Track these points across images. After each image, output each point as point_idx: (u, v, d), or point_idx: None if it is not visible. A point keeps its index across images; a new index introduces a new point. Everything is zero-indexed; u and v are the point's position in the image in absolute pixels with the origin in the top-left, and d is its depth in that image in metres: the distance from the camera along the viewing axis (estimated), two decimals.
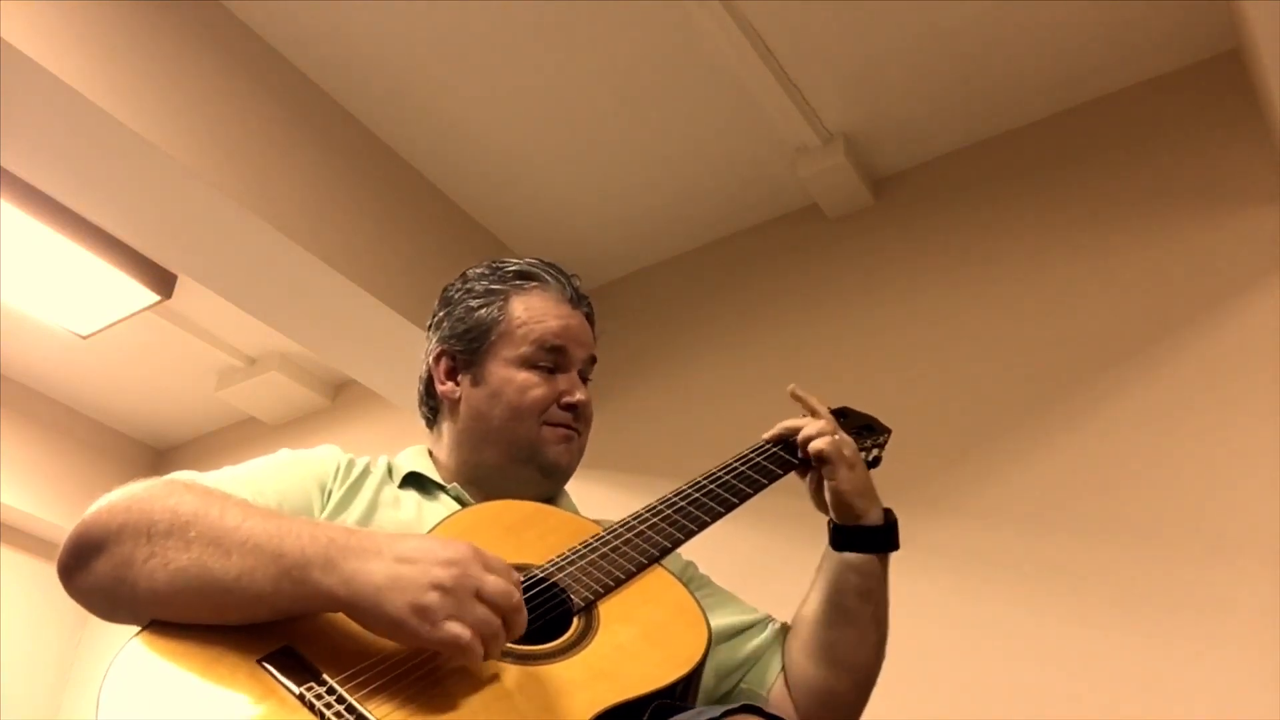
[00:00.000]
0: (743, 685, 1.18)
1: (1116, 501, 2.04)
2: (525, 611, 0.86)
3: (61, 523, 3.40)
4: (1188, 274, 2.16)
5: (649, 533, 1.07)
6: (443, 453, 1.26)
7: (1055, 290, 2.31)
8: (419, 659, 0.84)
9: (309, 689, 0.79)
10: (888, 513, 1.17)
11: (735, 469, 1.18)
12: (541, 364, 1.23)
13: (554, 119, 2.60)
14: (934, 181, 2.63)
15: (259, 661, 0.82)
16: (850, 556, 1.15)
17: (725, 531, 1.18)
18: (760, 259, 2.81)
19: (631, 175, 2.75)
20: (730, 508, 1.13)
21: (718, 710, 0.84)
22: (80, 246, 2.71)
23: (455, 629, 0.80)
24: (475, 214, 2.91)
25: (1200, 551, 1.91)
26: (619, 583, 1.00)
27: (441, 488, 1.21)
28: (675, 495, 1.14)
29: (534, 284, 1.28)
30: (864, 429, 1.32)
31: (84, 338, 3.10)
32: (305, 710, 0.78)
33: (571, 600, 0.96)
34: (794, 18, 2.28)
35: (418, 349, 1.34)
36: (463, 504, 1.19)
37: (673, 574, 1.06)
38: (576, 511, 1.26)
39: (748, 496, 1.15)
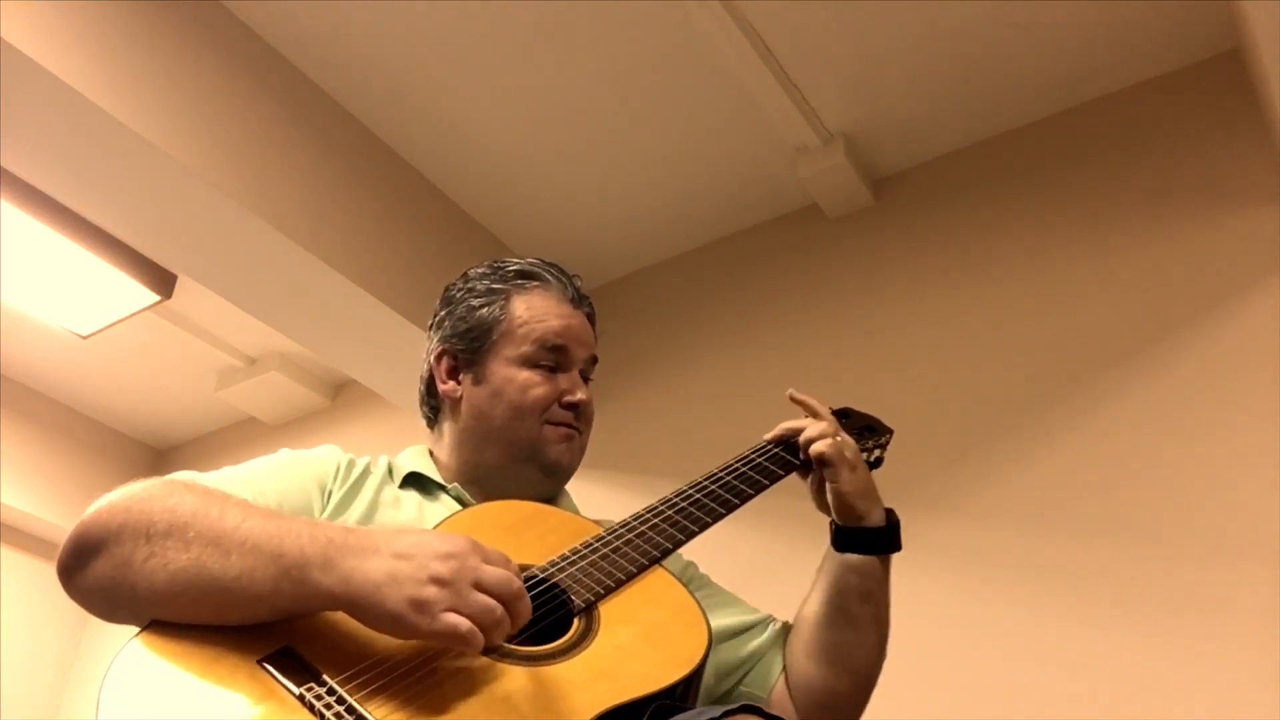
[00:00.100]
0: (743, 686, 1.18)
1: (1116, 501, 2.04)
2: (528, 598, 0.86)
3: (61, 523, 3.40)
4: (1188, 274, 2.16)
5: (650, 533, 1.07)
6: (443, 453, 1.26)
7: (1055, 290, 2.31)
8: (419, 659, 0.84)
9: (309, 689, 0.79)
10: (890, 514, 1.17)
11: (736, 470, 1.18)
12: (543, 363, 1.23)
13: (554, 119, 2.60)
14: (934, 181, 2.63)
15: (259, 662, 0.81)
16: (851, 558, 1.15)
17: (726, 532, 1.17)
18: (760, 259, 2.81)
19: (631, 175, 2.75)
20: (731, 509, 1.13)
21: (718, 710, 0.84)
22: (80, 246, 2.71)
23: (454, 620, 0.81)
24: (475, 214, 2.91)
25: (1200, 551, 1.91)
26: (620, 584, 1.00)
27: (442, 488, 1.21)
28: (676, 496, 1.14)
29: (536, 284, 1.28)
30: (866, 430, 1.32)
31: (84, 338, 3.10)
32: (305, 711, 0.78)
33: (572, 601, 0.96)
34: (794, 18, 2.28)
35: (418, 349, 1.34)
36: (463, 504, 1.19)
37: (673, 575, 1.06)
38: (577, 512, 1.26)
39: (749, 497, 1.15)
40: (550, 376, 1.23)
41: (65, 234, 2.67)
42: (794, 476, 1.21)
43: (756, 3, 2.24)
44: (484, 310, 1.26)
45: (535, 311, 1.25)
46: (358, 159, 2.62)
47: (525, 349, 1.23)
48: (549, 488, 1.25)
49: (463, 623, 0.81)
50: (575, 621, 0.95)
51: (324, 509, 1.12)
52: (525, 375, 1.22)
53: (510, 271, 1.29)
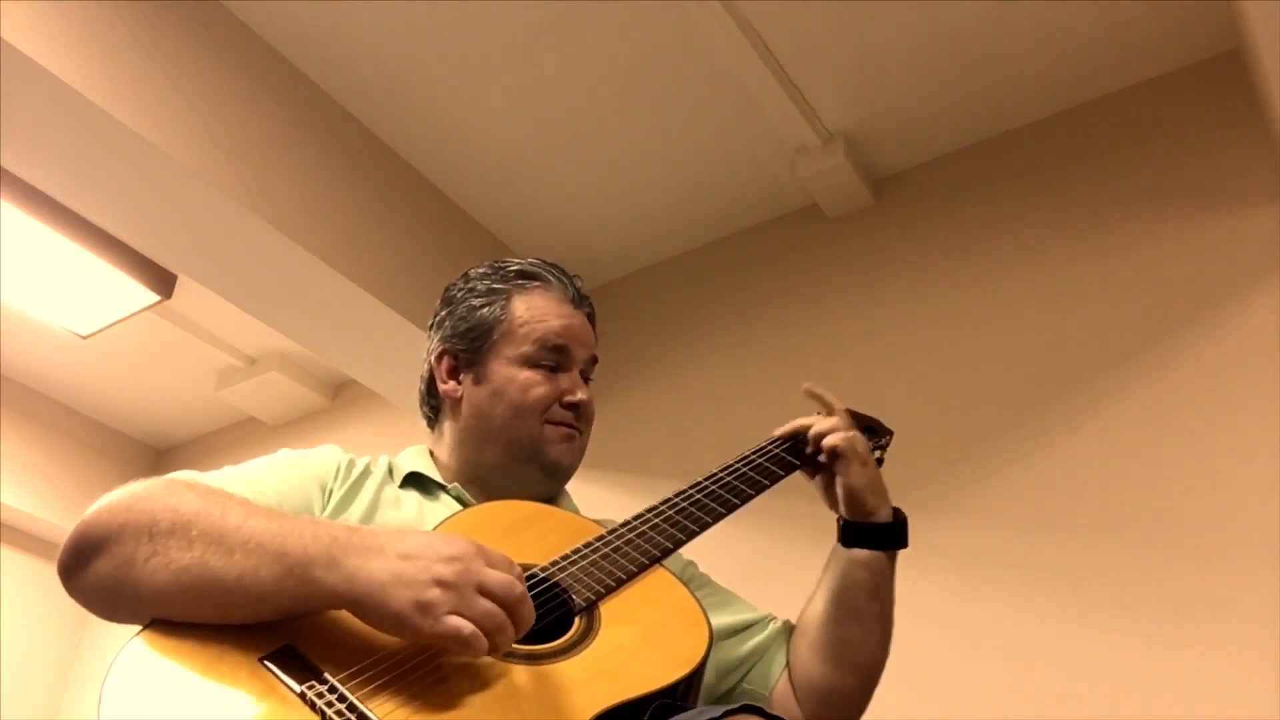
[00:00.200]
0: (745, 684, 1.18)
1: (1116, 501, 2.04)
2: (531, 603, 0.86)
3: (61, 523, 3.40)
4: (1188, 274, 2.16)
5: (650, 533, 1.07)
6: (444, 452, 1.27)
7: (1055, 290, 2.31)
8: (421, 657, 0.84)
9: (310, 688, 0.79)
10: (897, 511, 1.18)
11: (737, 470, 1.18)
12: (544, 363, 1.23)
13: (554, 119, 2.60)
14: (934, 181, 2.63)
15: (260, 660, 0.82)
16: (859, 553, 1.16)
17: (727, 532, 1.18)
18: (760, 259, 2.81)
19: (631, 175, 2.75)
20: (732, 508, 1.13)
21: (718, 710, 0.84)
22: (80, 246, 2.71)
23: (456, 622, 0.81)
24: (475, 214, 2.91)
25: (1200, 551, 1.91)
26: (620, 583, 1.00)
27: (442, 488, 1.21)
28: (677, 496, 1.14)
29: (536, 283, 1.28)
30: (866, 430, 1.32)
31: (84, 338, 3.10)
32: (307, 709, 0.78)
33: (573, 600, 0.96)
34: (794, 18, 2.28)
35: (418, 349, 1.34)
36: (463, 504, 1.19)
37: (674, 574, 1.06)
38: (577, 511, 1.26)
39: (749, 497, 1.15)
40: (551, 376, 1.23)
41: (65, 234, 2.67)
42: (796, 477, 1.22)
43: (756, 3, 2.24)
44: (485, 310, 1.26)
45: (536, 311, 1.25)
46: (358, 159, 2.63)
47: (526, 349, 1.23)
48: (549, 488, 1.25)
49: (465, 626, 0.81)
50: (576, 621, 0.95)
51: (324, 508, 1.12)
52: (526, 375, 1.22)
53: (511, 271, 1.29)
